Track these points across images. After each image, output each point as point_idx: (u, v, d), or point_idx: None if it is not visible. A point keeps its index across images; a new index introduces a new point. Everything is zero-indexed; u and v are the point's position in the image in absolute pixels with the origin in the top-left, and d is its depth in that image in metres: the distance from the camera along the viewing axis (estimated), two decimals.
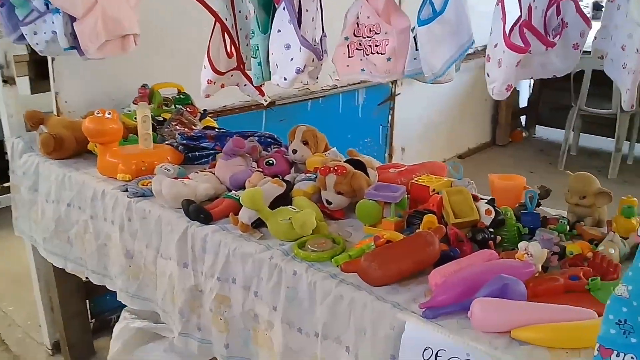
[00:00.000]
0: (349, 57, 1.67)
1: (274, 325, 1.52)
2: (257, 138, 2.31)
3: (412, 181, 1.78)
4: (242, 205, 1.73)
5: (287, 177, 1.98)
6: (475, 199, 1.58)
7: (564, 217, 1.61)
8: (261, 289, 1.54)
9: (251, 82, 1.96)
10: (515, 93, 6.17)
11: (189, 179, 1.91)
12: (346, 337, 1.35)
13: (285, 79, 1.66)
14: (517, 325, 1.13)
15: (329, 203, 1.72)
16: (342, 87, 4.14)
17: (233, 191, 1.82)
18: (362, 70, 1.67)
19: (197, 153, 2.29)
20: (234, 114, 3.48)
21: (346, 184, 1.69)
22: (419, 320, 1.21)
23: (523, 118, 6.40)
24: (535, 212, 1.56)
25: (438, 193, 1.71)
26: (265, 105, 2.09)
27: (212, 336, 1.72)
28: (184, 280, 1.75)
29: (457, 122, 5.52)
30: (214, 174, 1.98)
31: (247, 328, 1.63)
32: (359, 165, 1.79)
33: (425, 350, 1.18)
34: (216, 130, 2.41)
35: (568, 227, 1.52)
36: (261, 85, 1.95)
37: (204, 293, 1.71)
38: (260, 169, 1.99)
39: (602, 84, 4.90)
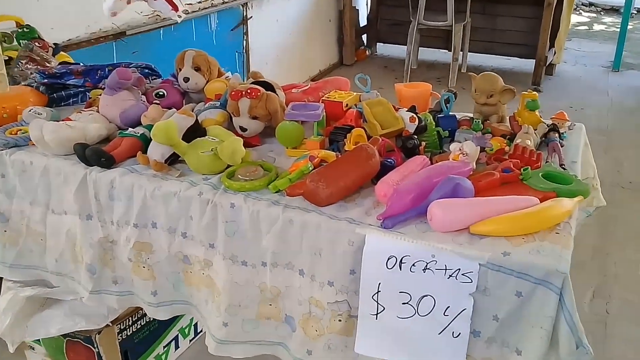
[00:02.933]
0: None
1: (212, 264, 1.42)
2: (132, 67, 2.08)
3: (324, 98, 1.74)
4: (145, 143, 1.57)
5: (184, 108, 1.82)
6: (395, 108, 1.59)
7: (471, 117, 1.69)
8: (191, 229, 1.42)
9: None
10: (355, 12, 6.27)
11: (70, 120, 1.67)
12: (299, 261, 1.31)
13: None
14: (474, 221, 1.18)
15: (244, 130, 1.61)
16: (194, 12, 3.87)
17: (130, 129, 1.62)
18: None
19: (62, 93, 2.01)
20: (81, 48, 3.10)
21: (261, 107, 1.59)
22: (379, 232, 1.20)
23: (364, 37, 6.57)
24: (451, 114, 1.61)
25: (353, 107, 1.70)
26: (179, 21, 1.85)
27: (133, 286, 1.58)
28: (89, 233, 1.56)
29: (306, 45, 5.51)
30: (97, 112, 1.75)
31: (177, 271, 1.51)
32: (267, 87, 1.69)
33: (389, 259, 1.19)
34: (82, 64, 2.12)
35: (482, 125, 1.59)
36: None
37: (118, 244, 1.54)
38: (151, 103, 1.80)
39: None
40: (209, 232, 1.39)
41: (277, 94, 1.68)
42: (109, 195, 1.50)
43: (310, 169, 1.36)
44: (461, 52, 5.62)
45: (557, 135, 1.54)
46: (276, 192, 1.37)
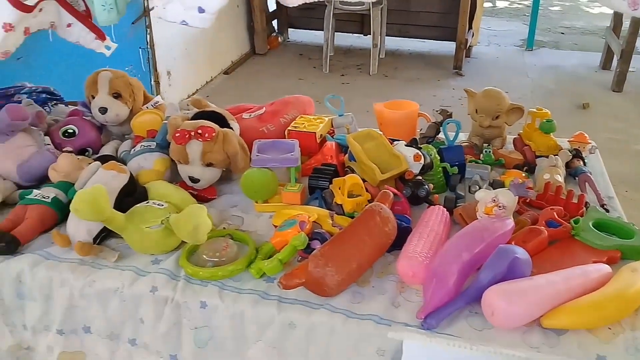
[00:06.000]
0: None
1: None
2: (26, 96, 1.60)
3: (290, 128, 1.38)
4: (59, 211, 1.14)
5: (104, 151, 1.39)
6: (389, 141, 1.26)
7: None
8: (143, 334, 1.03)
9: (82, 19, 1.22)
10: None
11: None
12: None
13: (202, 10, 1.04)
14: (546, 310, 0.88)
15: (195, 181, 1.22)
16: None
17: (35, 191, 1.17)
18: None
19: None
20: None
21: (218, 151, 1.20)
22: (421, 335, 0.88)
23: (275, 23, 6.16)
24: (457, 145, 1.31)
25: (329, 138, 1.35)
26: (108, 54, 1.32)
27: None
28: None
29: (215, 35, 5.02)
30: None
31: None
32: (217, 120, 1.30)
33: None
34: None
35: (493, 155, 1.31)
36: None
37: (37, 351, 1.12)
38: (59, 145, 1.36)
39: None
40: (169, 341, 1.01)
41: (231, 128, 1.30)
42: (17, 294, 1.07)
43: (304, 240, 1.01)
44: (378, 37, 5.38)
45: (582, 163, 1.28)
46: (260, 277, 1.00)
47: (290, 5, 1.10)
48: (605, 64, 5.08)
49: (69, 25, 1.23)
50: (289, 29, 6.31)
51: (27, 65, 2.86)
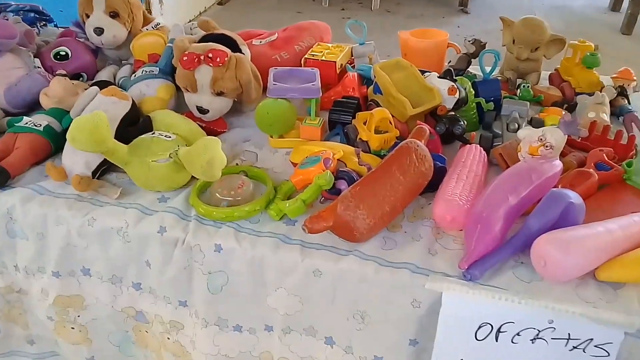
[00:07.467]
0: None
1: (183, 327, 0.96)
2: (12, 14, 1.45)
3: (307, 56, 1.24)
4: (53, 140, 1.03)
5: (101, 76, 1.26)
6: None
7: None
8: (149, 279, 0.94)
9: None
10: None
11: None
12: (325, 325, 0.88)
13: None
14: (600, 262, 0.80)
15: (204, 112, 1.10)
16: None
17: (25, 118, 1.05)
18: None
19: None
20: None
21: (230, 78, 1.07)
22: (463, 287, 0.79)
23: None
24: (494, 78, 1.19)
25: (349, 69, 1.23)
26: None
27: (59, 347, 1.08)
28: None
29: None
30: None
31: (123, 329, 1.03)
32: (226, 43, 1.16)
33: (480, 328, 0.79)
34: None
35: (531, 90, 1.19)
36: None
37: (29, 294, 1.03)
38: (50, 69, 1.22)
39: None
40: (178, 286, 0.91)
41: (243, 54, 1.16)
42: (7, 231, 0.96)
43: (331, 181, 0.90)
44: None
45: (626, 101, 1.17)
46: (280, 219, 0.90)
47: None
48: (615, 6, 4.89)
49: None
50: None
51: None
